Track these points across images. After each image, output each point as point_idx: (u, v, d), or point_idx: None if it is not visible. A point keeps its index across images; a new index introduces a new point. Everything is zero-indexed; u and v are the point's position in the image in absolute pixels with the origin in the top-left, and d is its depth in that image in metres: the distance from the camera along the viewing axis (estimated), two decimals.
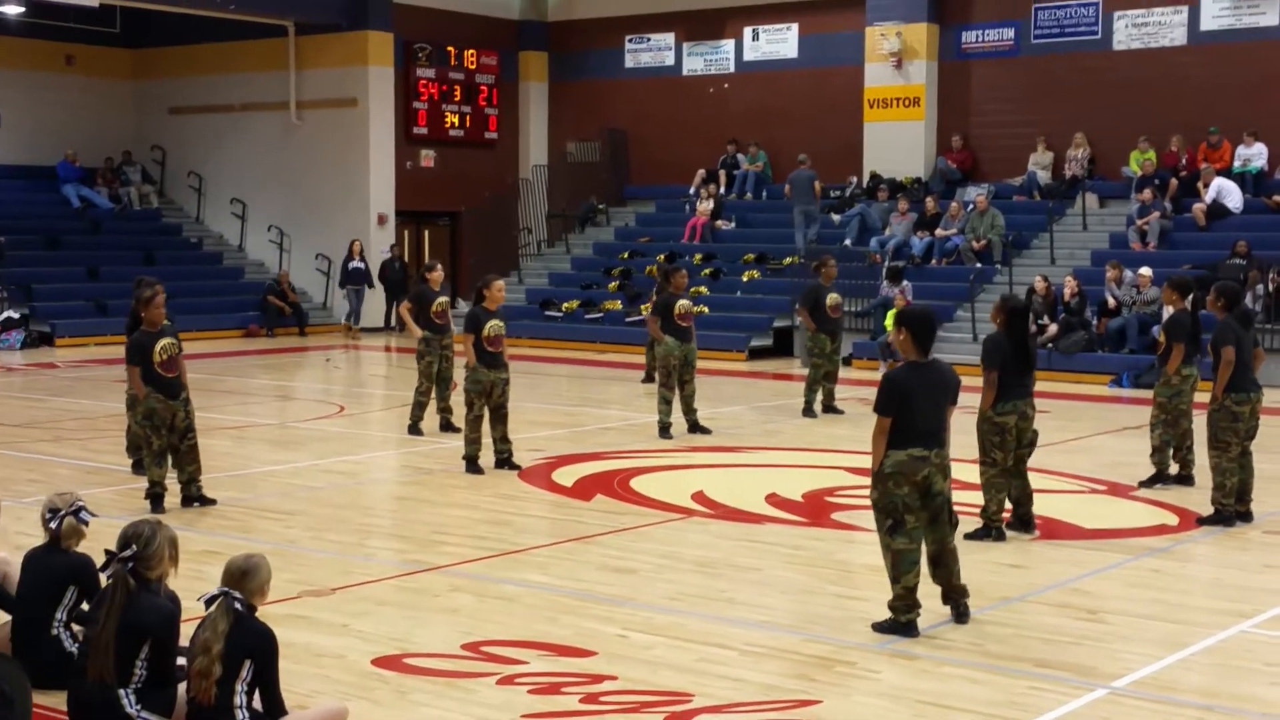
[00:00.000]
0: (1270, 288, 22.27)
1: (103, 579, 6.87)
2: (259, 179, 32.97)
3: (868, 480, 13.00)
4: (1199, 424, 13.00)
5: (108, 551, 6.68)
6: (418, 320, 16.38)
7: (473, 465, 13.98)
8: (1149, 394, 13.48)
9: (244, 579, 6.44)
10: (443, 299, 16.50)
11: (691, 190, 31.33)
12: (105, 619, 6.57)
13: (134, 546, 6.64)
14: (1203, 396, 12.63)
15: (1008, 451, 11.03)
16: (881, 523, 8.54)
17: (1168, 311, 13.64)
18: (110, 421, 16.74)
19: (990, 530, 11.08)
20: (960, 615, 8.82)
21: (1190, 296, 13.28)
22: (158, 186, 34.47)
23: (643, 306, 22.27)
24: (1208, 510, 11.88)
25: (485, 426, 14.07)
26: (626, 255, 30.30)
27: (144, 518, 7.11)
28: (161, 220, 33.78)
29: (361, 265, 30.48)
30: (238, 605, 6.35)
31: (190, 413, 12.15)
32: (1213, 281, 13.43)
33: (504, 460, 14.17)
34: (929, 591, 8.67)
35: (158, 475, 12.04)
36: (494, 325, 13.96)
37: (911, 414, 8.45)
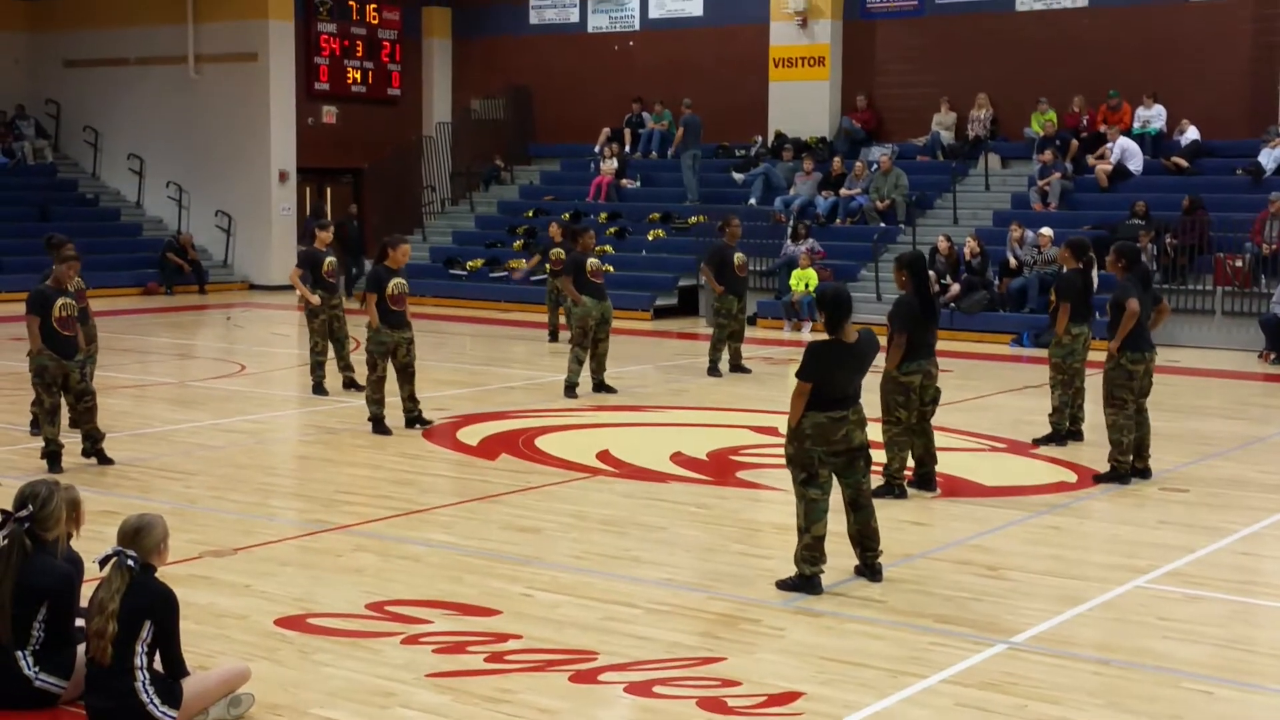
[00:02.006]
0: (1167, 247, 22.58)
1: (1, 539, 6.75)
2: (157, 134, 32.41)
3: (773, 439, 13.09)
4: (1091, 382, 13.21)
5: (3, 511, 6.56)
6: (309, 282, 16.10)
7: (379, 425, 13.87)
8: (1047, 353, 13.68)
9: (137, 537, 6.35)
10: (332, 258, 16.31)
11: (596, 149, 31.22)
12: (1, 580, 6.47)
13: (30, 506, 6.53)
14: (1097, 356, 12.82)
15: (911, 410, 11.13)
16: (796, 475, 8.65)
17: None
18: (6, 380, 16.46)
19: (892, 488, 11.18)
20: (874, 573, 8.92)
21: (1085, 257, 13.45)
22: (52, 141, 33.79)
23: (548, 265, 22.19)
24: (1105, 467, 12.05)
25: (390, 386, 13.97)
26: (531, 214, 30.17)
27: (41, 478, 7.00)
28: (57, 175, 33.12)
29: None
30: (131, 563, 6.26)
31: (87, 375, 12.00)
32: (1111, 242, 13.61)
33: (414, 419, 14.08)
34: (834, 550, 8.73)
35: (50, 433, 11.89)
36: (397, 283, 13.86)
37: (830, 382, 8.60)
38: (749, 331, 20.07)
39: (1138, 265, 12.19)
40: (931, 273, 18.26)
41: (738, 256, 18.12)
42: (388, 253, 14.01)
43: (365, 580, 8.85)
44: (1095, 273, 18.58)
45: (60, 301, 11.77)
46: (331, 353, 16.29)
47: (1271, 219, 22.19)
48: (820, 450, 8.56)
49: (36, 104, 33.73)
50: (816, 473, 8.60)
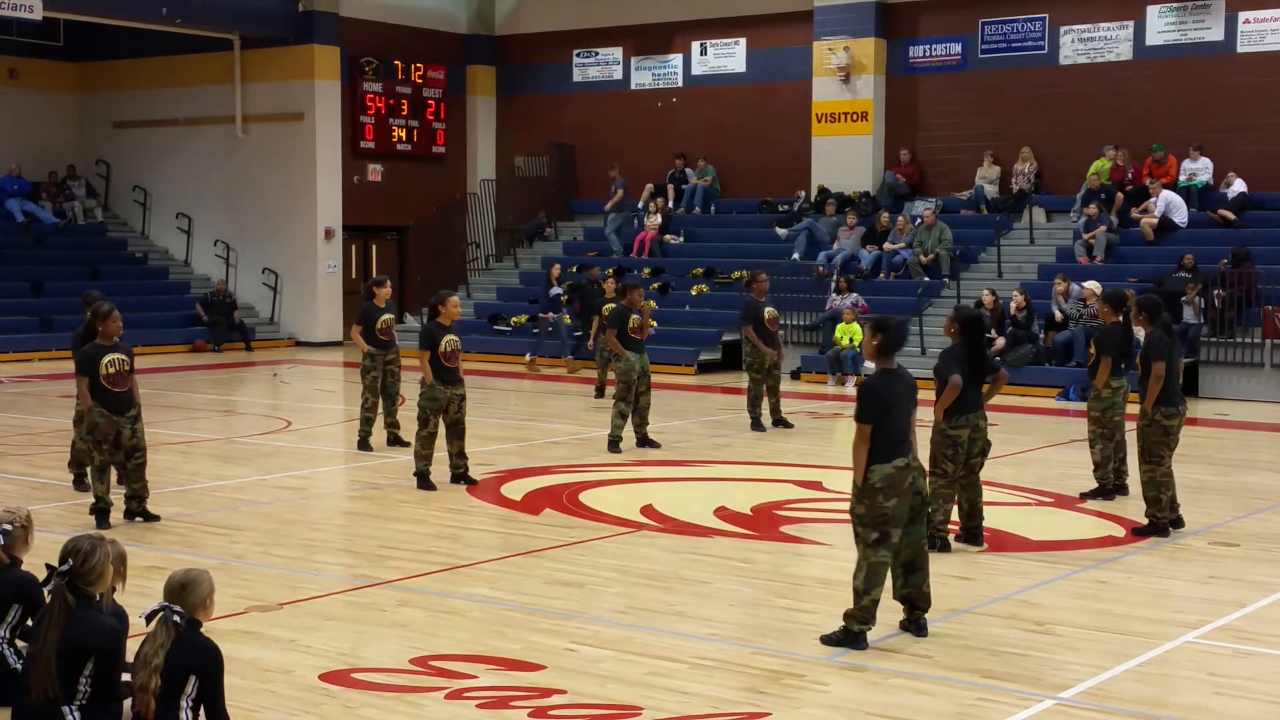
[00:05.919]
0: (1214, 300, 22.44)
1: (46, 595, 6.79)
2: (204, 193, 32.76)
3: (817, 493, 13.04)
4: (1131, 436, 13.11)
5: (48, 566, 6.60)
6: (364, 336, 16.29)
7: (424, 481, 13.89)
8: (1086, 407, 13.60)
9: (183, 592, 6.37)
10: (387, 316, 16.44)
11: (640, 204, 31.34)
12: (45, 635, 6.49)
13: (70, 561, 6.57)
14: (1132, 409, 12.73)
15: (958, 463, 11.07)
16: (866, 536, 8.54)
17: None
18: (54, 437, 16.59)
19: (935, 540, 11.10)
20: (919, 629, 8.85)
21: (1124, 309, 13.41)
22: (102, 200, 34.22)
23: (594, 319, 22.26)
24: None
25: (439, 442, 14.00)
26: (574, 269, 30.27)
27: (86, 533, 7.03)
28: (106, 235, 33.52)
29: (560, 290, 27.68)
30: (176, 619, 6.29)
31: (138, 431, 12.05)
32: (1160, 294, 13.56)
33: (460, 475, 14.08)
34: (882, 604, 8.67)
35: (100, 490, 11.95)
36: (450, 340, 13.90)
37: (888, 422, 8.52)
38: (793, 386, 20.03)
39: (1160, 316, 12.10)
40: None
41: (768, 310, 18.16)
42: (438, 309, 14.08)
43: (410, 635, 8.85)
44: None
45: (107, 358, 11.84)
46: (381, 408, 16.37)
47: None
48: (892, 506, 8.47)
49: (87, 164, 34.18)
50: (889, 533, 8.51)
